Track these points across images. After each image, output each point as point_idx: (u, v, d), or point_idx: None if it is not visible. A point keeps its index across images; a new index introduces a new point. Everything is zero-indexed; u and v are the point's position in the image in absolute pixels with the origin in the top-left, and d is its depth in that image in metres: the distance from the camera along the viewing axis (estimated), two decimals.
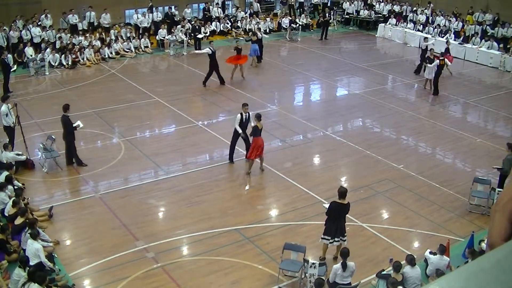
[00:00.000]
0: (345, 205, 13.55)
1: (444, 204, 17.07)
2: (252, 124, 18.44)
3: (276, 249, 14.05)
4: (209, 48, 26.78)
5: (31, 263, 12.69)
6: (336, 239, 13.59)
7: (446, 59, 28.09)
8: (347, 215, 13.89)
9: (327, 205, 13.86)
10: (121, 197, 16.84)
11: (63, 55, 29.72)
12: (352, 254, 12.81)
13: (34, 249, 12.83)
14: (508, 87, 29.74)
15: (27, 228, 13.64)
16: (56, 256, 13.69)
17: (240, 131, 18.67)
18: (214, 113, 24.16)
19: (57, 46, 30.56)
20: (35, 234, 13.11)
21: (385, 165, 19.25)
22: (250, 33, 33.71)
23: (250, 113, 19.10)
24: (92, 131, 21.06)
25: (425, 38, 32.43)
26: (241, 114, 18.77)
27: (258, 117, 18.26)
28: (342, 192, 13.52)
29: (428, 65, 27.15)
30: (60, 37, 31.37)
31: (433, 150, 21.50)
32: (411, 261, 12.62)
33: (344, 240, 13.72)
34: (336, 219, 13.56)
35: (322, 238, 13.75)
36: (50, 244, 14.00)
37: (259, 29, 34.02)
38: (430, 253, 13.45)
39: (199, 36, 33.86)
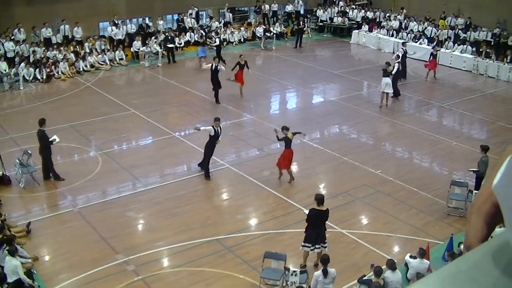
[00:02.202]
0: (324, 211, 13.58)
1: (422, 207, 17.18)
2: (281, 136, 18.35)
3: (256, 258, 14.03)
4: (214, 64, 25.67)
5: (10, 280, 12.55)
6: (317, 246, 13.61)
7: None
8: (326, 222, 13.93)
9: (307, 211, 13.88)
10: (100, 211, 16.73)
11: (37, 69, 29.48)
12: (333, 260, 12.83)
13: (12, 266, 12.69)
14: (482, 90, 30.11)
15: (4, 245, 13.48)
16: (35, 272, 13.54)
17: (213, 136, 18.51)
18: (190, 123, 24.09)
19: (31, 60, 30.37)
20: (13, 250, 12.97)
21: (363, 171, 19.32)
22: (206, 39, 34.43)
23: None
24: (68, 145, 20.91)
25: (404, 43, 32.45)
26: (213, 127, 18.65)
27: (288, 128, 18.29)
28: (320, 199, 13.55)
29: (386, 79, 26.07)
30: (34, 51, 31.15)
31: (410, 154, 21.65)
32: (391, 265, 12.69)
33: (325, 247, 13.74)
34: (316, 226, 13.58)
35: (302, 246, 13.76)
36: (29, 260, 13.85)
37: (217, 36, 34.75)
38: (410, 257, 13.52)
39: (170, 45, 33.84)
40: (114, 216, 16.44)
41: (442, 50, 34.75)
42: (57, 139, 18.28)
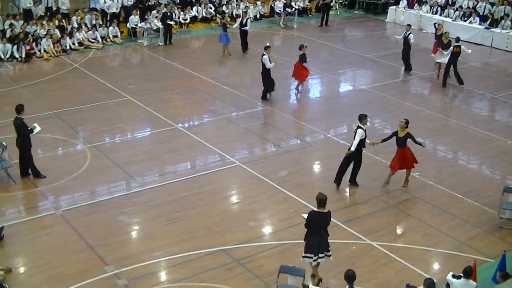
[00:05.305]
0: (325, 213, 13.47)
1: (469, 218, 17.07)
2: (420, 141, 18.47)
3: (270, 273, 14.00)
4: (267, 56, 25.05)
5: None
6: (320, 255, 13.50)
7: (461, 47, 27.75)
8: (331, 228, 13.79)
9: (306, 215, 13.77)
10: (87, 214, 16.75)
11: (15, 46, 29.58)
12: (360, 278, 12.73)
13: None
14: None
15: None
16: (7, 286, 13.56)
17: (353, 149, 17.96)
18: (196, 113, 24.10)
19: (7, 36, 30.40)
20: None
21: (398, 173, 19.17)
22: (224, 18, 33.94)
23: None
24: (52, 137, 21.01)
25: (408, 25, 32.06)
26: (362, 127, 17.93)
27: (407, 122, 18.34)
28: (321, 200, 13.43)
29: (444, 51, 27.77)
30: (11, 25, 31.17)
31: (455, 154, 21.53)
32: (430, 285, 12.60)
33: (329, 256, 13.62)
34: (317, 231, 13.48)
35: (304, 257, 13.63)
36: (0, 272, 13.90)
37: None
38: (453, 276, 13.42)
39: (170, 22, 33.71)
40: (104, 220, 16.46)
41: (497, 30, 34.52)
42: (38, 129, 18.27)
